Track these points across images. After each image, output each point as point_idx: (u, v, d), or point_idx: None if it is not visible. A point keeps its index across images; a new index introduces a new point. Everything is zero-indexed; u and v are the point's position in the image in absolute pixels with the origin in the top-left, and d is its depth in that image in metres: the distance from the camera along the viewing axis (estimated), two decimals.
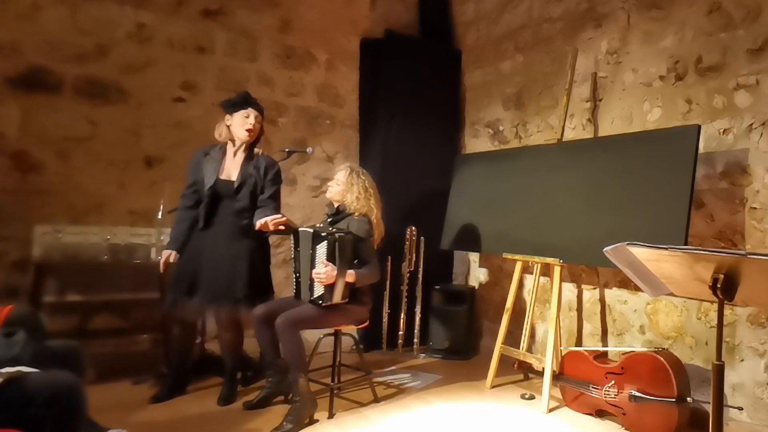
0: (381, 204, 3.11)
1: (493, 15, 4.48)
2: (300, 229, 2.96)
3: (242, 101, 2.96)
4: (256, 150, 3.06)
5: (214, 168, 2.94)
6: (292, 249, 2.98)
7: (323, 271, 2.71)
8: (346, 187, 3.01)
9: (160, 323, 3.35)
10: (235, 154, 2.99)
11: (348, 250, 2.81)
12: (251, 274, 2.90)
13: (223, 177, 2.94)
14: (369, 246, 2.95)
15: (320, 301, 2.77)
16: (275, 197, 3.01)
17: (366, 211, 2.99)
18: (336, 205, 3.07)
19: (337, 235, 2.78)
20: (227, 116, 2.96)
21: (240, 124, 2.94)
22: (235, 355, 3.03)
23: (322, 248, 2.78)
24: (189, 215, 2.97)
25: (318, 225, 3.04)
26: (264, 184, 2.98)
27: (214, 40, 3.92)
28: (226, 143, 3.01)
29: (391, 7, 4.70)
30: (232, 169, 2.97)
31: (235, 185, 2.92)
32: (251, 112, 2.96)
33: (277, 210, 2.94)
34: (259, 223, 2.81)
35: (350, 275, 2.80)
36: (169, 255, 2.92)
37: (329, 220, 3.08)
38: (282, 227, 2.85)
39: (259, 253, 2.98)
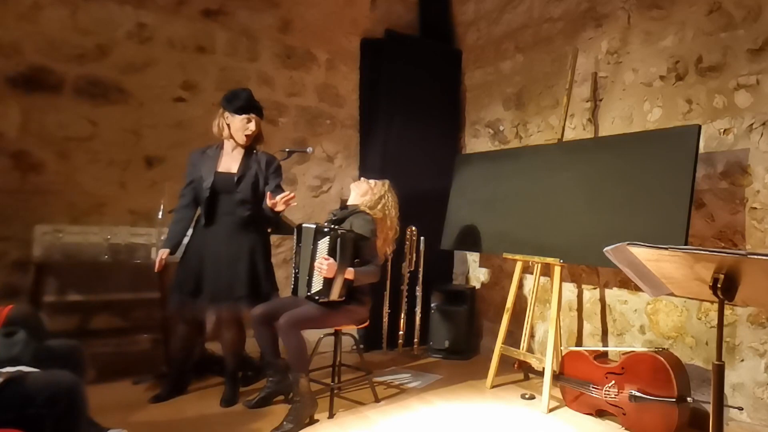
0: (398, 219, 3.17)
1: (494, 15, 4.48)
2: (303, 225, 2.96)
3: (246, 106, 2.90)
4: (255, 149, 3.05)
5: (212, 164, 2.93)
6: (294, 245, 2.99)
7: (325, 263, 2.72)
8: (377, 196, 3.07)
9: (160, 323, 3.35)
10: (233, 150, 2.98)
11: (349, 248, 2.81)
12: (251, 273, 2.89)
13: (221, 170, 2.92)
14: (371, 246, 2.95)
15: (317, 297, 2.77)
16: (281, 188, 2.98)
17: (375, 213, 3.01)
18: (347, 202, 3.08)
19: (339, 231, 2.78)
20: (226, 114, 2.92)
21: (240, 128, 2.91)
22: (236, 355, 3.02)
23: (323, 243, 2.78)
24: (186, 215, 2.97)
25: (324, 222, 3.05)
26: (267, 176, 2.97)
27: (215, 40, 3.92)
28: (222, 141, 2.99)
29: (391, 7, 4.70)
30: (231, 162, 2.95)
31: (236, 177, 2.90)
32: (253, 118, 2.92)
33: None
34: (269, 201, 2.74)
35: (349, 272, 2.80)
36: (164, 254, 2.91)
37: (335, 218, 3.08)
38: (293, 203, 2.80)
39: (260, 251, 2.96)
